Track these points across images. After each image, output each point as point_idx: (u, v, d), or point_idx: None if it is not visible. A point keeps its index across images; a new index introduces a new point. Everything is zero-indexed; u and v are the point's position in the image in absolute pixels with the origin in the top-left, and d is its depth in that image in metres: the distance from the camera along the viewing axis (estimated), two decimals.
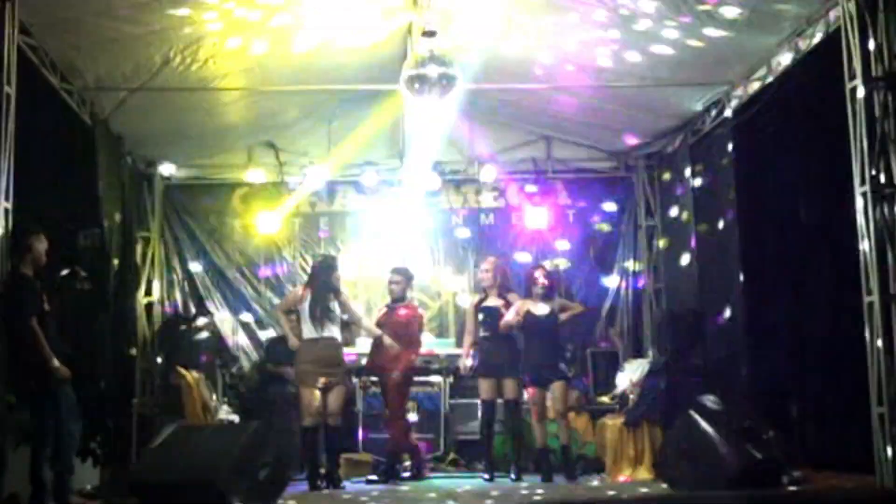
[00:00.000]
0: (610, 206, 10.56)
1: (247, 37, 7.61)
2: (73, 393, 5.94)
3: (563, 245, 10.41)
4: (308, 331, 7.52)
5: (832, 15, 6.74)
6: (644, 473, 7.43)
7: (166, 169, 10.20)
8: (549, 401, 7.72)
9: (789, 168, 7.56)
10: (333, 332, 7.54)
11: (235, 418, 8.79)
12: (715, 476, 5.94)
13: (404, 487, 7.51)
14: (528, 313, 7.78)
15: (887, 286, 6.15)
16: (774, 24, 7.06)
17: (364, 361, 8.48)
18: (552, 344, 7.84)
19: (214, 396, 8.94)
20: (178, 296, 10.21)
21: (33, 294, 5.79)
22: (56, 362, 5.74)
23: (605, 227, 10.49)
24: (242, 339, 10.21)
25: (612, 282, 10.46)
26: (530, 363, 7.78)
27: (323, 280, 7.67)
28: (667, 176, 10.15)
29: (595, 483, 7.49)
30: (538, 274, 7.99)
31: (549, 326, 7.82)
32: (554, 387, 7.67)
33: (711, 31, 7.21)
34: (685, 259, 9.56)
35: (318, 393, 7.34)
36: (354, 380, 8.80)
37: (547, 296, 7.90)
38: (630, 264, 10.47)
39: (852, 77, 6.41)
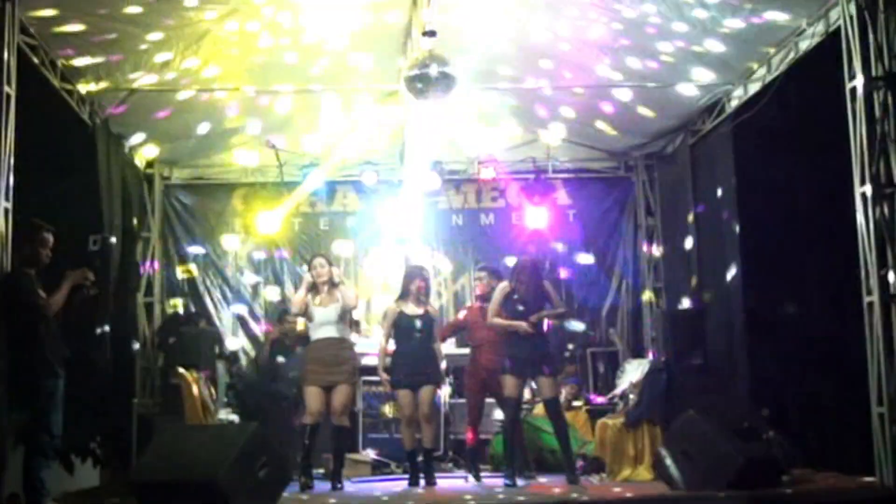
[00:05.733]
0: (610, 207, 10.58)
1: (247, 36, 7.62)
2: (62, 388, 5.82)
3: (563, 245, 10.41)
4: (319, 330, 7.33)
5: (832, 15, 6.75)
6: (644, 473, 7.41)
7: (166, 169, 10.22)
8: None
9: (789, 168, 7.57)
10: (346, 332, 7.41)
11: (235, 418, 8.77)
12: (715, 476, 5.95)
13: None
14: (402, 314, 7.54)
15: (887, 286, 6.15)
16: (774, 24, 7.06)
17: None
18: (424, 347, 7.47)
19: (215, 396, 8.93)
20: (177, 296, 10.22)
21: (33, 289, 5.77)
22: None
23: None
24: (242, 339, 10.23)
25: (612, 282, 10.46)
26: (401, 364, 7.47)
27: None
28: (667, 176, 10.15)
29: (595, 482, 7.48)
30: (418, 280, 7.61)
31: (421, 328, 7.47)
32: (423, 390, 7.37)
33: (711, 31, 7.21)
34: (685, 259, 9.55)
35: (320, 392, 7.25)
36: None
37: (422, 301, 7.56)
38: (630, 264, 10.48)
39: (852, 77, 6.42)
